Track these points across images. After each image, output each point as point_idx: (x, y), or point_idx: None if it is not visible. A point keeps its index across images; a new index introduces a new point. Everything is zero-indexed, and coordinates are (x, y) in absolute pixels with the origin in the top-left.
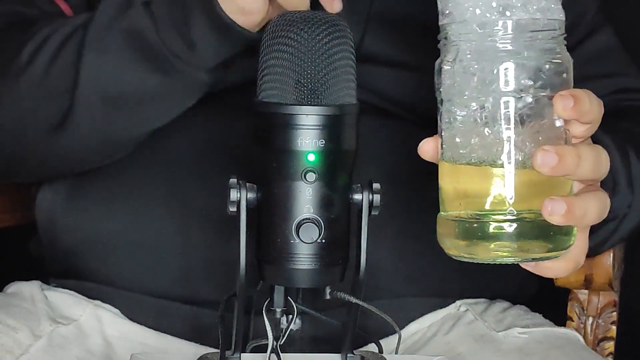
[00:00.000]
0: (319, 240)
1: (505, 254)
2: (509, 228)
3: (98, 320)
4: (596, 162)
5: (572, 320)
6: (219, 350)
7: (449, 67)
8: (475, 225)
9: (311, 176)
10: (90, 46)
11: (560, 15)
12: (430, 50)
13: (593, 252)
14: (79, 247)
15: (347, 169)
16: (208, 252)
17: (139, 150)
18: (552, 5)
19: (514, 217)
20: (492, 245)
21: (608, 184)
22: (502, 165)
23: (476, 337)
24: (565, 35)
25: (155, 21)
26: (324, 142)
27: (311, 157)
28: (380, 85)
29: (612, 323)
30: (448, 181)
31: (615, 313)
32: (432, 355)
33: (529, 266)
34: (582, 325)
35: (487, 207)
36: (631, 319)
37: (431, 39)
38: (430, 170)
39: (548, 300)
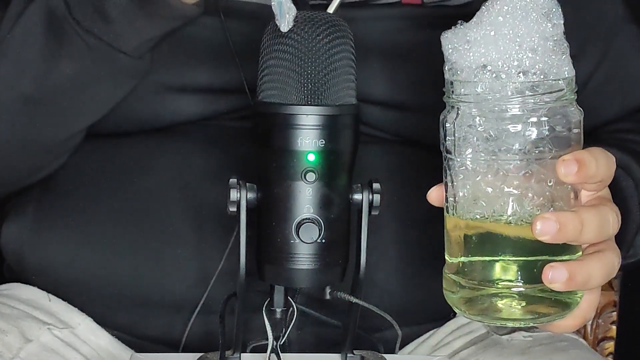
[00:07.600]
0: (319, 240)
1: (512, 319)
2: (516, 296)
3: (94, 332)
4: (601, 226)
5: None
6: (219, 350)
7: (452, 124)
8: (480, 296)
9: (311, 176)
10: (2, 43)
11: (566, 73)
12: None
13: None
14: (51, 289)
15: (347, 169)
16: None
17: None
18: (558, 65)
19: (519, 284)
20: (499, 315)
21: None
22: (504, 226)
23: (480, 340)
24: (576, 90)
25: None
26: (324, 142)
27: (311, 157)
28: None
29: (612, 323)
30: (451, 233)
31: (615, 313)
32: (433, 355)
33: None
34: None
35: (491, 275)
36: (631, 319)
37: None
38: None
39: None
